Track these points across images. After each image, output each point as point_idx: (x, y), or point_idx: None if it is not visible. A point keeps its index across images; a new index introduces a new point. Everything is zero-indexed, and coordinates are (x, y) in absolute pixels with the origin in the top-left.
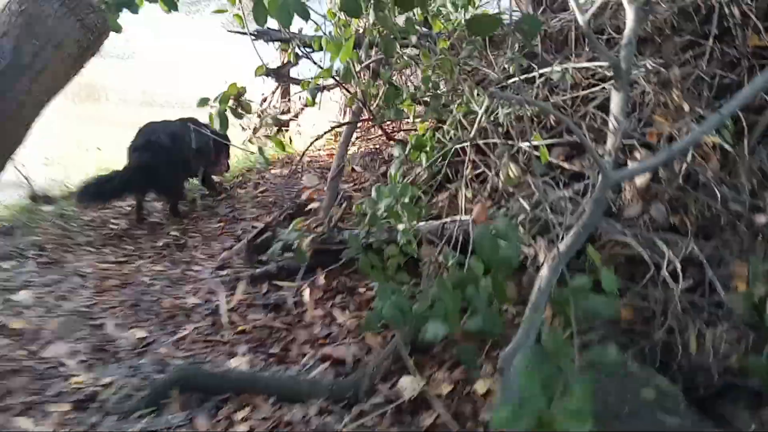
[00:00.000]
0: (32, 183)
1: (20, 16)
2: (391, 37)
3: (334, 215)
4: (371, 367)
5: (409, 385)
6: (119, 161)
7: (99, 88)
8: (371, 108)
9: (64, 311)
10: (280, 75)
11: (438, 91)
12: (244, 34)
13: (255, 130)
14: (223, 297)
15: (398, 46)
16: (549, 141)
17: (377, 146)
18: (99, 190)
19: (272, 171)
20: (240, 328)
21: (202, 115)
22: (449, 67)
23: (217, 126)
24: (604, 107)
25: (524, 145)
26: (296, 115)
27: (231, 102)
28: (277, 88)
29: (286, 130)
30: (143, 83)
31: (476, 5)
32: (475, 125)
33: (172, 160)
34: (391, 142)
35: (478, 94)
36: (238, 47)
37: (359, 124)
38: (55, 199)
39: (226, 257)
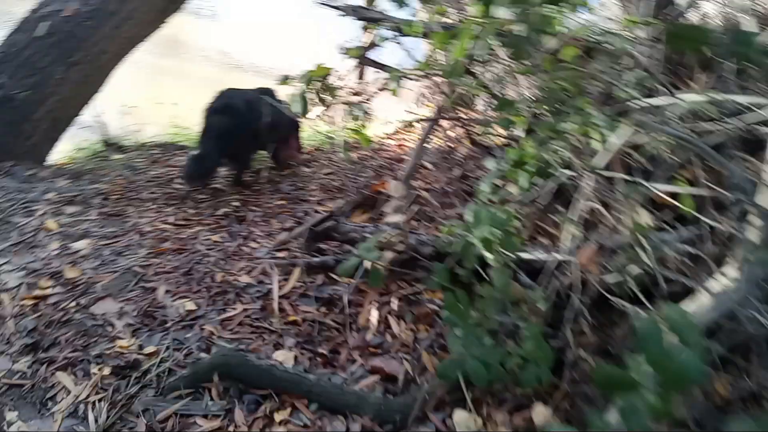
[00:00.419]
0: (107, 129)
1: None
2: (527, 35)
3: (404, 220)
4: (424, 391)
5: (463, 421)
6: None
7: (178, 43)
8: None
9: (118, 267)
10: (368, 59)
11: (557, 106)
12: (334, 8)
13: (326, 106)
14: (276, 281)
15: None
16: (695, 191)
17: (452, 145)
18: (202, 169)
19: (339, 154)
20: (290, 318)
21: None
22: (574, 81)
23: (297, 109)
24: (721, 147)
25: (661, 187)
26: (368, 99)
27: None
28: (356, 69)
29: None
30: (222, 43)
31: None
32: (602, 153)
33: (246, 128)
34: (472, 146)
35: (608, 117)
36: (319, 19)
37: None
38: (126, 148)
39: (284, 239)
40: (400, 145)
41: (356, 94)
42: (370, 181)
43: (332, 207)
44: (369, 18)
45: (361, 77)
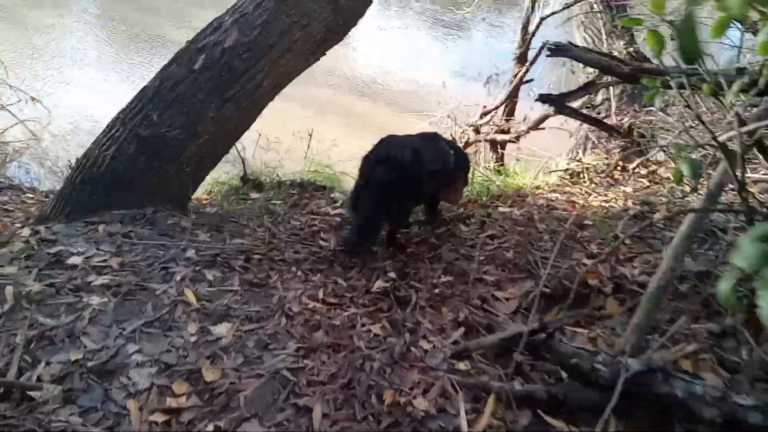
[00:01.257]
0: (247, 165)
1: (271, 3)
2: None
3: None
4: None
5: None
6: (332, 155)
7: (314, 70)
8: None
9: (264, 369)
10: (562, 104)
11: None
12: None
13: (467, 144)
14: (463, 414)
15: None
16: None
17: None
18: (366, 238)
19: (499, 208)
20: None
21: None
22: None
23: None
24: None
25: None
26: (517, 137)
27: None
28: (504, 103)
29: (501, 153)
30: (358, 71)
31: None
32: None
33: (411, 182)
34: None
35: None
36: (464, 47)
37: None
38: (263, 186)
39: (464, 348)
40: (570, 203)
41: (503, 132)
42: (576, 268)
43: (516, 294)
44: (586, 61)
45: (508, 113)
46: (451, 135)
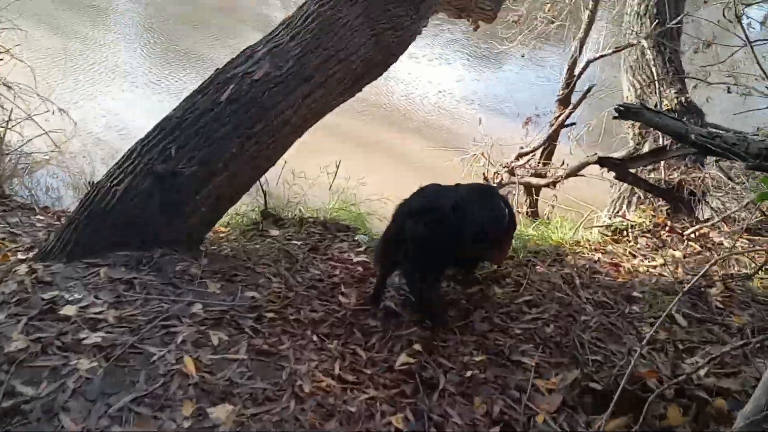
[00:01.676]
0: (269, 197)
1: (315, 21)
2: None
3: None
4: None
5: None
6: (358, 191)
7: None
8: None
9: None
10: (625, 170)
11: None
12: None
13: (500, 185)
14: None
15: None
16: None
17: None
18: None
19: (537, 267)
20: None
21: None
22: None
23: None
24: None
25: None
26: (554, 183)
27: None
28: (543, 146)
29: (536, 198)
30: (388, 101)
31: None
32: None
33: (446, 240)
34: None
35: None
36: (501, 83)
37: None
38: (284, 223)
39: None
40: (614, 266)
41: (540, 175)
42: (629, 358)
43: (559, 385)
44: (654, 125)
45: (546, 156)
46: (484, 175)
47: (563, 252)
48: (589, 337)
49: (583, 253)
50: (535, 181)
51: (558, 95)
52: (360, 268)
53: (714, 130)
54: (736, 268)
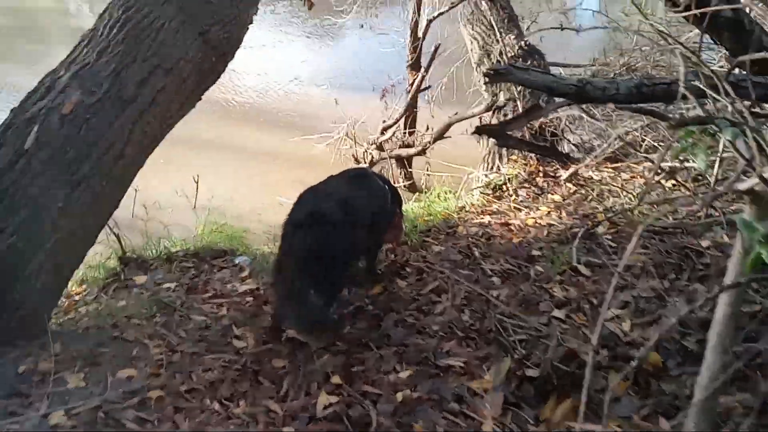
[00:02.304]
0: (123, 241)
1: (123, 29)
2: None
3: None
4: None
5: None
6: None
7: None
8: None
9: None
10: (504, 134)
11: None
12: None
13: (371, 163)
14: None
15: None
16: None
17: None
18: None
19: (433, 247)
20: None
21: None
22: None
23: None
24: None
25: None
26: (423, 150)
27: None
28: (404, 115)
29: (409, 169)
30: (234, 97)
31: None
32: None
33: (341, 240)
34: None
35: None
36: (347, 57)
37: None
38: (149, 264)
39: None
40: (505, 225)
41: (408, 146)
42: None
43: (494, 381)
44: (532, 85)
45: (408, 125)
46: (353, 156)
47: (454, 223)
48: (508, 316)
49: (472, 219)
50: (404, 152)
51: (407, 61)
52: (250, 299)
53: (582, 77)
54: (611, 200)
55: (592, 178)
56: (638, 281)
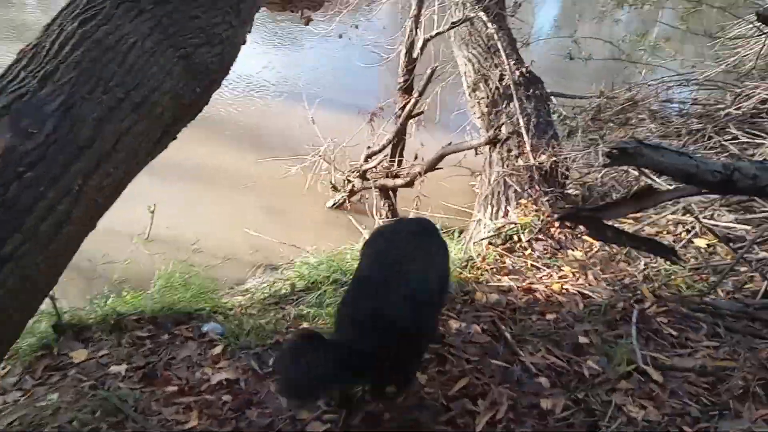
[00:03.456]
0: (59, 304)
1: (78, 47)
2: None
3: None
4: None
5: None
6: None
7: None
8: None
9: None
10: (599, 224)
11: None
12: None
13: (352, 192)
14: None
15: None
16: None
17: None
18: (307, 381)
19: (450, 323)
20: None
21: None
22: None
23: None
24: None
25: None
26: (412, 181)
27: None
28: (392, 142)
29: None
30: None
31: None
32: None
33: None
34: None
35: None
36: (326, 71)
37: None
38: (91, 336)
39: None
40: (529, 291)
41: (395, 176)
42: None
43: None
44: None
45: (395, 154)
46: (331, 183)
47: (468, 288)
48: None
49: (488, 281)
50: (391, 182)
51: (399, 83)
52: (227, 397)
53: (729, 162)
54: (641, 262)
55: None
56: (743, 409)
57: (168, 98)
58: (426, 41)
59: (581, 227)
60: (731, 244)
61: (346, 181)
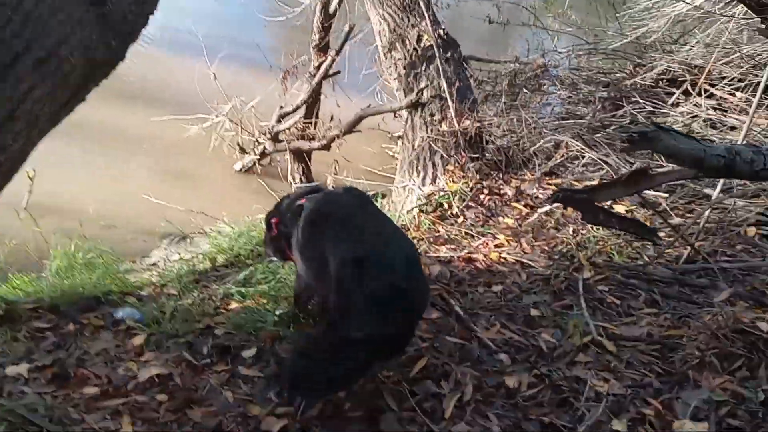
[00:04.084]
0: None
1: None
2: None
3: None
4: None
5: None
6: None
7: None
8: None
9: None
10: (593, 206)
11: None
12: None
13: (263, 155)
14: None
15: None
16: None
17: None
18: (316, 379)
19: None
20: None
21: None
22: None
23: None
24: None
25: None
26: (328, 144)
27: None
28: (306, 102)
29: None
30: None
31: None
32: None
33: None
34: None
35: None
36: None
37: None
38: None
39: None
40: (469, 261)
41: (310, 138)
42: None
43: None
44: None
45: (309, 114)
46: (238, 144)
47: None
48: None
49: (426, 251)
50: (306, 145)
51: (314, 41)
52: (161, 396)
53: (730, 146)
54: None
55: (538, 197)
56: (701, 378)
57: (77, 54)
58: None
59: (575, 211)
60: (647, 210)
61: (256, 143)
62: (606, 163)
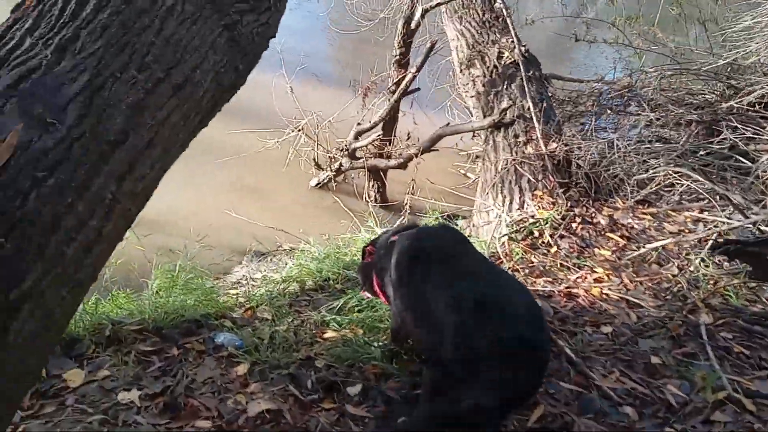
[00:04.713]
0: None
1: (105, 3)
2: None
3: None
4: None
5: None
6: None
7: None
8: None
9: None
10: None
11: None
12: None
13: (338, 172)
14: None
15: None
16: None
17: None
18: None
19: None
20: None
21: None
22: None
23: None
24: None
25: None
26: (405, 163)
27: None
28: (384, 119)
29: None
30: None
31: None
32: None
33: None
34: None
35: None
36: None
37: None
38: (86, 349)
39: None
40: (569, 296)
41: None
42: None
43: None
44: None
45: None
46: (314, 160)
47: None
48: None
49: (524, 283)
50: (383, 163)
51: (395, 57)
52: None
53: None
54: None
55: (634, 227)
56: None
57: (209, 77)
58: (425, 11)
59: (743, 264)
60: None
61: (332, 159)
62: (707, 192)
